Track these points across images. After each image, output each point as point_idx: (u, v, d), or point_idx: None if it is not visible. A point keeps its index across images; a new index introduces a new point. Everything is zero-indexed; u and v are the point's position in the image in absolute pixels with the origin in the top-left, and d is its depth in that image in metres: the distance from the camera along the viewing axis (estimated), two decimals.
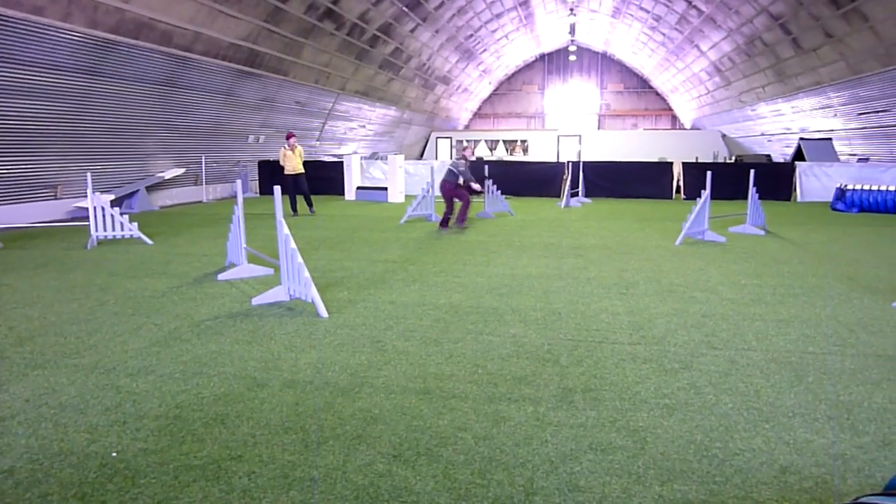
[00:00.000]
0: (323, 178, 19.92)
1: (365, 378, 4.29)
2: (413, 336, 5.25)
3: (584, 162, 19.14)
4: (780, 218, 13.46)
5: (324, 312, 5.84)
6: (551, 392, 4.05)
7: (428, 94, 36.47)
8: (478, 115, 48.85)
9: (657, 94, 45.66)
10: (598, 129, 45.65)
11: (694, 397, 3.97)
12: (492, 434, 3.47)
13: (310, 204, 14.68)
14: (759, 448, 3.31)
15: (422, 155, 38.96)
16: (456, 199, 12.13)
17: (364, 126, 30.41)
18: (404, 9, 25.02)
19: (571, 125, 44.66)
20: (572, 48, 44.52)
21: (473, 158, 12.48)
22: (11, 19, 11.38)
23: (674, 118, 45.71)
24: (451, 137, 40.19)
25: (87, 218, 10.20)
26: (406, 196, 18.54)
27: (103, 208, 10.11)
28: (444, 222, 12.06)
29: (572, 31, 40.52)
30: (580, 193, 17.99)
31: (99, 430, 3.52)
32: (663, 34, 32.92)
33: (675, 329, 5.44)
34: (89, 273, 7.93)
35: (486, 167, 14.43)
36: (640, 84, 46.11)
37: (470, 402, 3.90)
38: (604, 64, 46.58)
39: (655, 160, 23.49)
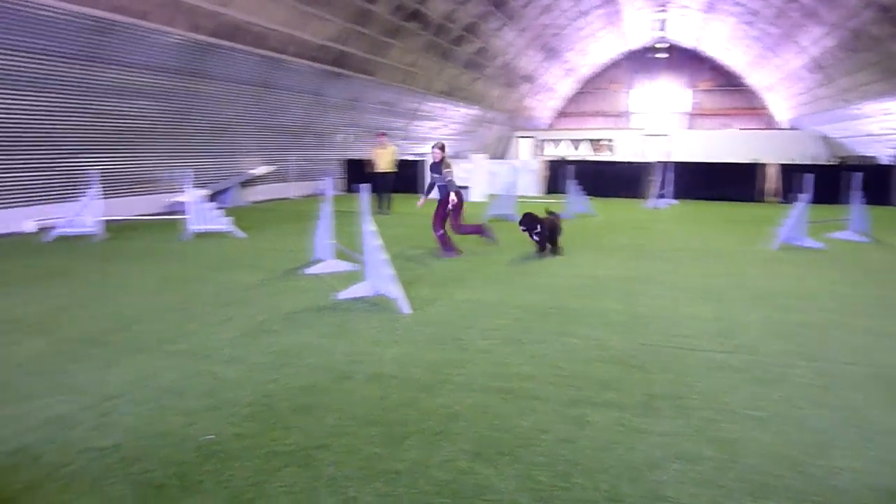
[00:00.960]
0: (405, 177, 20.18)
1: (446, 375, 4.32)
2: (493, 335, 5.24)
3: (672, 162, 18.56)
4: (885, 224, 12.61)
5: (406, 309, 5.92)
6: (636, 398, 3.95)
7: (511, 92, 36.33)
8: (562, 113, 48.21)
9: (750, 91, 43.66)
10: (688, 128, 44.12)
11: (788, 411, 3.78)
12: (574, 437, 3.42)
13: (388, 205, 14.87)
14: (861, 469, 3.11)
15: (503, 154, 38.82)
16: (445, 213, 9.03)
17: (446, 125, 30.62)
18: (490, 7, 25.01)
19: (658, 124, 43.38)
20: (661, 45, 43.23)
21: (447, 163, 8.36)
22: (119, 24, 12.14)
23: (768, 117, 43.61)
24: (533, 136, 39.81)
25: (184, 212, 10.75)
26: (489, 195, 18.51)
27: (199, 203, 10.65)
28: (480, 231, 9.55)
29: (662, 27, 39.36)
30: (668, 195, 17.46)
31: (196, 413, 3.71)
32: (760, 29, 31.47)
33: (768, 338, 5.20)
34: (185, 264, 8.36)
35: (572, 167, 14.19)
36: (731, 81, 44.23)
37: (551, 404, 3.86)
38: (693, 61, 44.96)
39: (748, 161, 22.54)
